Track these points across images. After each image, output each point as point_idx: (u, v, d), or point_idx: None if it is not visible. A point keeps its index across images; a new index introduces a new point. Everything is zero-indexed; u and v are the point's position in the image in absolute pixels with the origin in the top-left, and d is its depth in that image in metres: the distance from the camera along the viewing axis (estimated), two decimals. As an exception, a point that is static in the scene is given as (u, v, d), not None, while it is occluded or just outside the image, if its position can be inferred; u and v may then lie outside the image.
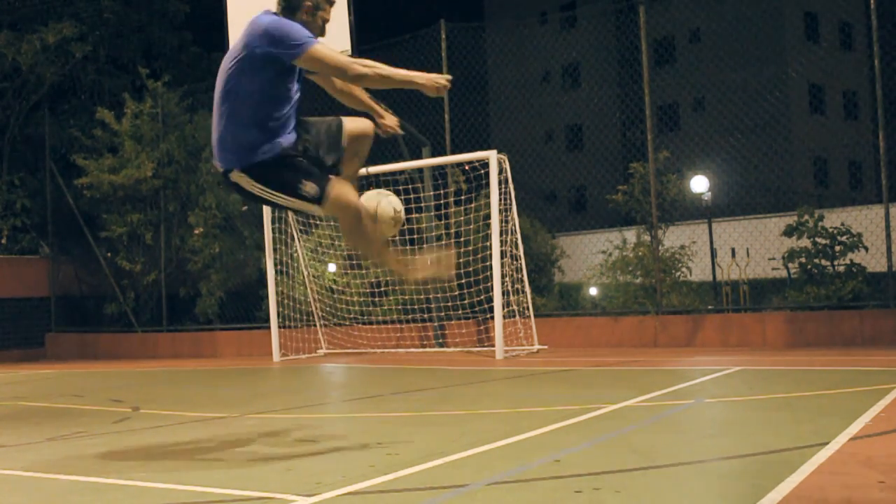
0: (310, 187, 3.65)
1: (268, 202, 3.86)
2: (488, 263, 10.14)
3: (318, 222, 12.12)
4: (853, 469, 3.20)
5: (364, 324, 12.04)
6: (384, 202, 4.07)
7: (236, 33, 12.95)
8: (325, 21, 3.81)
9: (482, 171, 10.42)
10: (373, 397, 6.68)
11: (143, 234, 14.50)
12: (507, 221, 10.37)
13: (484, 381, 7.45)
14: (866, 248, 10.09)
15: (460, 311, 11.33)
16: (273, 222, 11.89)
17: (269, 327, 11.83)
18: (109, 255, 15.23)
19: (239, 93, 3.71)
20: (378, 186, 11.07)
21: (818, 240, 10.22)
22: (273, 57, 3.64)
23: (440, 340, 11.52)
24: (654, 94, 11.07)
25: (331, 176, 3.76)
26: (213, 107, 3.78)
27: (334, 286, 12.31)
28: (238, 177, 3.72)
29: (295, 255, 12.28)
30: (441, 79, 3.68)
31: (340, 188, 3.73)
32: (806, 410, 4.84)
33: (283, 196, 3.71)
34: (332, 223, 12.01)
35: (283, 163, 3.70)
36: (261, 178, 3.69)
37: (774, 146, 25.93)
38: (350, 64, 3.62)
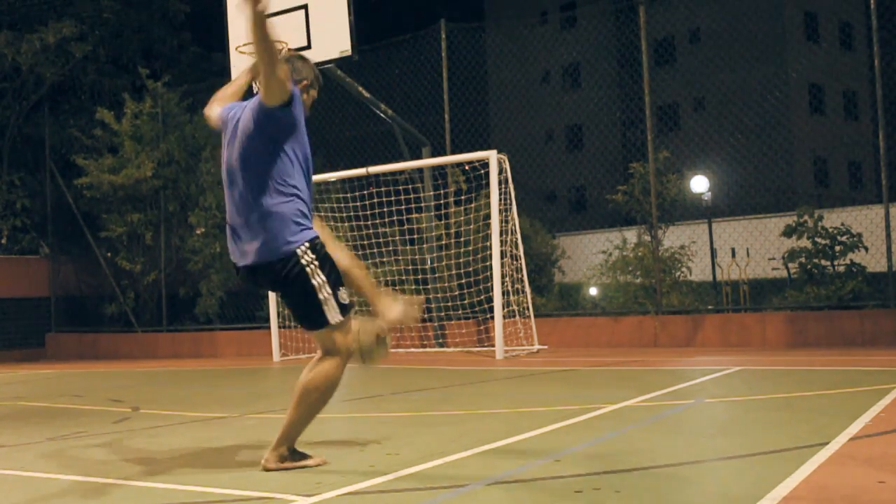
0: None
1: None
2: (488, 263, 10.14)
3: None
4: (853, 469, 3.20)
5: (364, 324, 12.02)
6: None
7: (236, 33, 12.81)
8: (313, 99, 3.83)
9: (482, 171, 10.42)
10: (373, 397, 6.68)
11: (143, 234, 14.50)
12: (507, 221, 10.37)
13: (484, 381, 7.45)
14: (866, 248, 10.09)
15: (460, 311, 11.33)
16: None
17: (269, 327, 11.83)
18: (109, 255, 15.23)
19: None
20: (378, 187, 11.10)
21: (818, 240, 10.22)
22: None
23: (440, 340, 11.52)
24: (654, 94, 11.07)
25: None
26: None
27: (334, 286, 12.30)
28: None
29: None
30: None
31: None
32: (806, 410, 4.83)
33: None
34: (331, 223, 12.01)
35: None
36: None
37: (774, 146, 25.93)
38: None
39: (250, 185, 3.57)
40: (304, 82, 3.80)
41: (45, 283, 16.33)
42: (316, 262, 3.52)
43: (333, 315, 3.54)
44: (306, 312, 3.59)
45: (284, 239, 3.51)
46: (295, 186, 3.58)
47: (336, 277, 3.58)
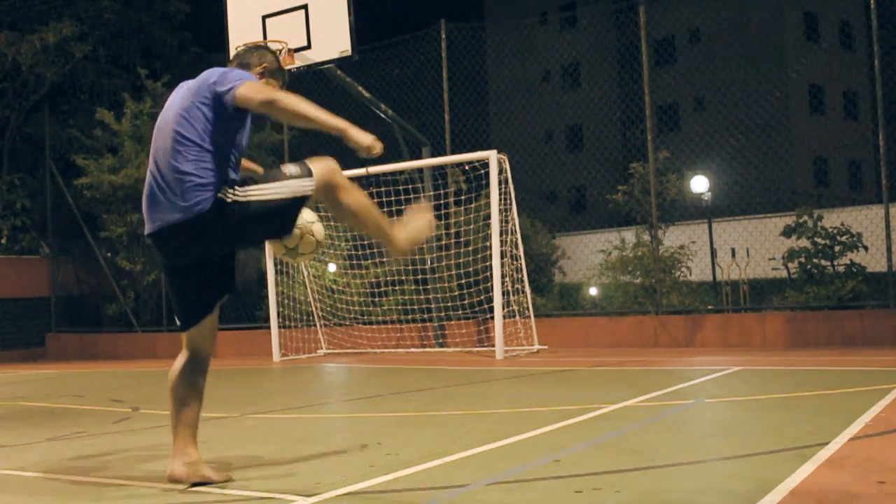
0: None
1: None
2: (488, 263, 10.14)
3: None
4: (853, 469, 3.20)
5: (364, 324, 12.04)
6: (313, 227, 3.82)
7: (236, 33, 12.80)
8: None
9: (482, 171, 10.41)
10: (373, 397, 6.68)
11: (143, 234, 14.48)
12: (507, 221, 10.37)
13: (484, 381, 7.45)
14: (866, 248, 10.09)
15: (460, 311, 11.33)
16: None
17: (269, 327, 11.83)
18: (109, 255, 15.23)
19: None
20: (378, 187, 11.11)
21: (818, 240, 10.23)
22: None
23: (440, 340, 11.52)
24: (654, 94, 11.07)
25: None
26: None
27: (334, 286, 12.31)
28: None
29: (295, 255, 12.27)
30: (378, 145, 3.48)
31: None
32: (806, 410, 4.83)
33: None
34: (331, 223, 12.01)
35: None
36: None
37: (774, 146, 25.93)
38: (264, 91, 3.40)
39: None
40: (261, 67, 3.74)
41: (45, 283, 16.33)
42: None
43: (306, 182, 3.44)
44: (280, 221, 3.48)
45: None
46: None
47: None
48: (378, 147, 3.48)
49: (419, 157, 11.66)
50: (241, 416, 5.66)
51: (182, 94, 3.56)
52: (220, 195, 3.35)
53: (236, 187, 3.40)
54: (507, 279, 10.31)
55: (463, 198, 11.67)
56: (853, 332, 9.47)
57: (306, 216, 3.75)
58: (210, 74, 3.55)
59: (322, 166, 3.58)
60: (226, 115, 3.45)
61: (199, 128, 3.42)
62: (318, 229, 3.81)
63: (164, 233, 3.39)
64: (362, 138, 3.45)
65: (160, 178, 3.41)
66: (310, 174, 3.50)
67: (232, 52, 11.04)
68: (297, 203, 3.45)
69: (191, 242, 3.40)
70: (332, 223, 11.88)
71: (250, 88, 3.39)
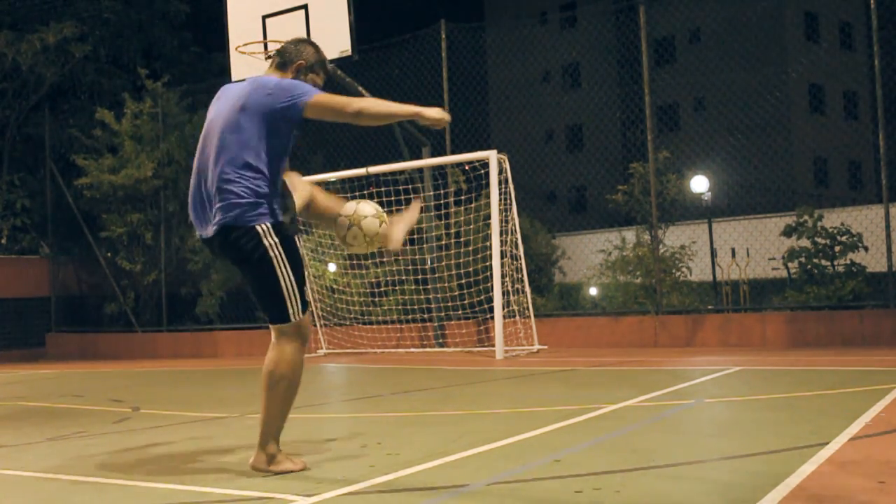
0: None
1: None
2: (488, 263, 10.14)
3: (318, 222, 12.11)
4: (853, 469, 3.20)
5: (364, 324, 12.04)
6: (364, 210, 3.90)
7: (236, 33, 12.78)
8: (316, 85, 3.81)
9: (482, 171, 10.42)
10: (373, 397, 6.68)
11: (143, 234, 14.50)
12: (507, 221, 10.37)
13: (484, 381, 7.45)
14: (866, 248, 10.09)
15: (460, 311, 11.33)
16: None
17: (268, 327, 11.80)
18: (109, 255, 15.23)
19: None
20: (378, 187, 11.11)
21: (818, 240, 10.23)
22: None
23: (440, 340, 11.52)
24: (654, 94, 11.07)
25: None
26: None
27: (334, 286, 12.31)
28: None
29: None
30: (446, 115, 3.76)
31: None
32: (806, 410, 4.84)
33: None
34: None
35: None
36: None
37: (774, 146, 25.94)
38: (349, 102, 3.59)
39: None
40: (300, 62, 3.80)
41: (45, 283, 16.33)
42: (280, 250, 3.54)
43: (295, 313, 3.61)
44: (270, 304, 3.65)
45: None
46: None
47: (300, 274, 3.63)
48: (447, 117, 3.76)
49: (419, 157, 11.66)
50: (241, 415, 5.66)
51: (231, 105, 3.65)
52: (258, 226, 3.52)
53: (275, 234, 3.55)
54: (507, 279, 10.31)
55: (463, 198, 11.67)
56: (853, 332, 9.47)
57: (365, 209, 3.84)
58: (262, 85, 3.62)
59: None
60: (277, 129, 3.57)
61: (247, 139, 3.56)
62: (368, 224, 3.86)
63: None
64: (434, 115, 3.72)
65: (204, 186, 3.62)
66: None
67: (232, 52, 11.08)
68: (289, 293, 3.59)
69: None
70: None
71: (328, 99, 3.56)
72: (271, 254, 3.52)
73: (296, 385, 3.62)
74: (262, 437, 3.57)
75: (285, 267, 3.54)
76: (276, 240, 3.53)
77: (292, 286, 3.56)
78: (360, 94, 11.22)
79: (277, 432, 3.60)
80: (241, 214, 3.52)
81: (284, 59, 3.81)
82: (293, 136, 3.66)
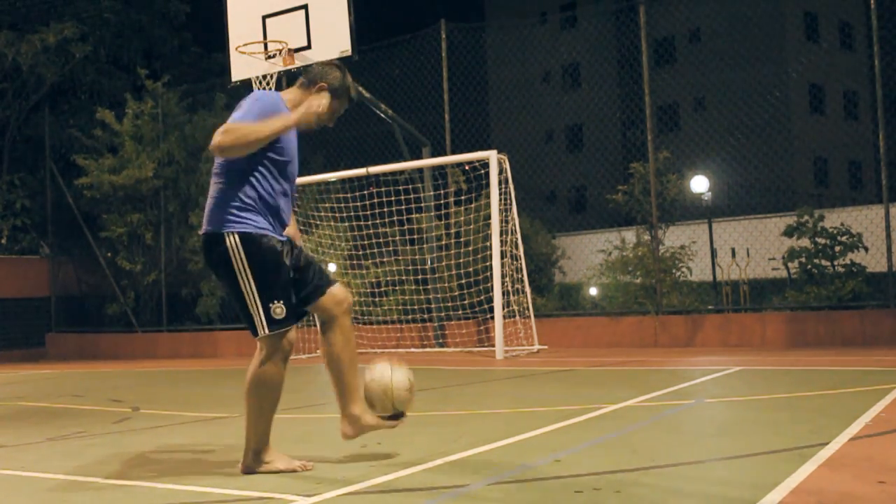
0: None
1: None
2: (488, 263, 10.14)
3: (318, 222, 12.12)
4: (853, 469, 3.20)
5: (364, 324, 12.03)
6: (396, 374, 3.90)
7: (236, 33, 12.77)
8: (336, 111, 3.76)
9: (482, 171, 10.42)
10: (373, 397, 6.67)
11: (144, 234, 14.50)
12: (507, 221, 10.37)
13: (484, 381, 7.45)
14: (866, 248, 10.08)
15: (460, 311, 11.33)
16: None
17: (269, 327, 11.80)
18: (109, 255, 15.23)
19: None
20: (378, 187, 11.11)
21: (818, 240, 10.22)
22: None
23: (440, 340, 11.51)
24: (654, 94, 11.07)
25: None
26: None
27: (334, 286, 12.29)
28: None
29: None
30: (313, 106, 3.52)
31: None
32: (806, 410, 4.83)
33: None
34: (331, 223, 12.02)
35: None
36: None
37: (774, 146, 25.93)
38: (214, 138, 3.44)
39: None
40: (322, 84, 3.76)
41: (45, 283, 16.33)
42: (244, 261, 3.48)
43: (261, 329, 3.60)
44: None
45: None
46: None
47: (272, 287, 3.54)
48: (314, 107, 3.54)
49: (419, 157, 11.66)
50: (241, 416, 5.64)
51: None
52: (227, 235, 3.50)
53: (242, 245, 3.52)
54: (507, 279, 10.31)
55: (463, 198, 11.67)
56: (853, 331, 9.47)
57: (398, 380, 3.87)
58: (240, 103, 3.62)
59: None
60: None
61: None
62: (399, 393, 3.84)
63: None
64: (306, 117, 3.53)
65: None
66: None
67: (232, 52, 11.07)
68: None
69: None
70: (332, 223, 11.89)
71: (216, 135, 3.44)
72: (235, 266, 3.50)
73: (269, 395, 3.64)
74: (245, 440, 3.63)
75: (248, 280, 3.50)
76: (243, 251, 3.48)
77: (254, 299, 3.52)
78: (360, 94, 11.22)
79: (261, 435, 3.61)
80: (217, 222, 3.53)
81: (308, 78, 3.78)
82: (278, 149, 3.56)
